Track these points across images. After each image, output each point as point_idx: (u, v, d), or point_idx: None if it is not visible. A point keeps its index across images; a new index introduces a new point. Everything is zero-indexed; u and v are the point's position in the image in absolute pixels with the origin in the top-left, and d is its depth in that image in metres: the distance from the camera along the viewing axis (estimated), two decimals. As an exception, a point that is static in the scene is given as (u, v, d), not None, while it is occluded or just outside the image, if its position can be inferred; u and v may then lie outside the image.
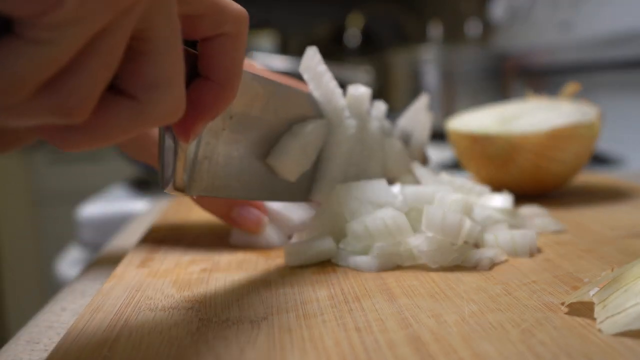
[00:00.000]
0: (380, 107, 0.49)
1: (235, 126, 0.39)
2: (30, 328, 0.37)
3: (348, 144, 0.45)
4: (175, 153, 0.34)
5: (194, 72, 0.32)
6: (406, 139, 0.53)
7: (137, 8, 0.24)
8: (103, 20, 0.23)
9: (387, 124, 0.50)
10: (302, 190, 0.45)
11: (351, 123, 0.45)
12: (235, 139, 0.39)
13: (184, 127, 0.31)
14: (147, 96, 0.26)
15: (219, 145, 0.38)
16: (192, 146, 0.36)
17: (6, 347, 0.34)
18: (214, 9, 0.30)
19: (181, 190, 0.36)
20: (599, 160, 0.92)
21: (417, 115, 0.53)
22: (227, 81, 0.31)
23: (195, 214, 0.58)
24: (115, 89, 0.26)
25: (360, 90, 0.46)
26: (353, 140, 0.45)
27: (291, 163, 0.42)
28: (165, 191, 0.35)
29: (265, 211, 0.46)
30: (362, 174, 0.46)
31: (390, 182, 0.48)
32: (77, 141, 0.26)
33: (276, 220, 0.46)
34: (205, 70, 0.31)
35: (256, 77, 0.39)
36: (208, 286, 0.37)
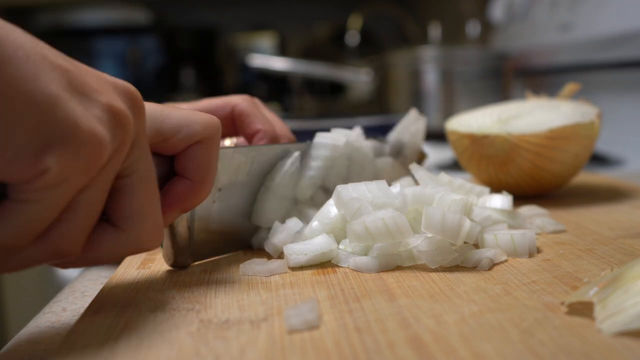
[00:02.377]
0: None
1: (225, 196, 0.43)
2: (31, 328, 0.37)
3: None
4: (170, 235, 0.39)
5: (172, 171, 0.36)
6: (399, 150, 0.55)
7: (113, 165, 0.29)
8: (84, 180, 0.27)
9: (376, 145, 0.52)
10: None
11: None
12: (226, 205, 0.43)
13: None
14: (128, 225, 0.31)
15: (211, 215, 0.42)
16: (185, 227, 0.40)
17: (7, 347, 0.34)
18: (182, 127, 0.34)
19: (180, 265, 0.40)
20: (599, 160, 0.92)
21: (409, 128, 0.55)
22: (201, 179, 0.36)
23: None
24: (102, 219, 0.31)
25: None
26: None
27: (272, 215, 0.45)
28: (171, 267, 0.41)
29: None
30: None
31: None
32: (70, 266, 0.31)
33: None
34: (181, 171, 0.36)
35: (237, 150, 0.43)
36: (208, 287, 0.37)
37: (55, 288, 1.00)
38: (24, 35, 0.26)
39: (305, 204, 0.47)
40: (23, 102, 0.25)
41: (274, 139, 0.49)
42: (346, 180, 0.49)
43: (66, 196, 0.27)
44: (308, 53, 2.07)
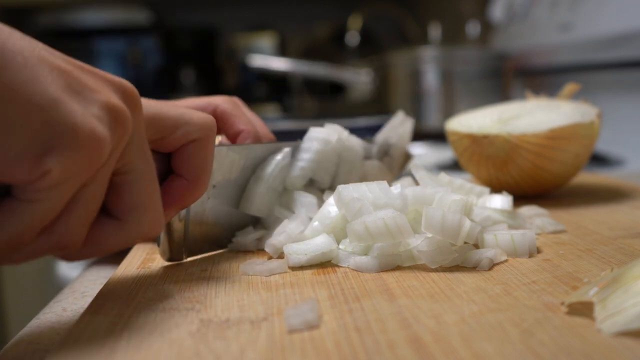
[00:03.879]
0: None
1: (218, 192, 0.44)
2: (31, 328, 0.37)
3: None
4: (166, 232, 0.40)
5: (169, 169, 0.36)
6: (386, 150, 0.55)
7: (111, 160, 0.29)
8: (84, 178, 0.28)
9: (365, 145, 0.53)
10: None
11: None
12: (220, 201, 0.44)
13: None
14: (129, 217, 0.31)
15: (205, 211, 0.43)
16: (180, 223, 0.41)
17: (7, 347, 0.34)
18: (179, 125, 0.35)
19: (176, 260, 0.41)
20: (599, 160, 0.92)
21: (396, 129, 0.56)
22: (196, 179, 0.36)
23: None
24: (103, 210, 0.31)
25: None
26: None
27: (261, 204, 0.46)
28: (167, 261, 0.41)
29: None
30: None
31: None
32: (73, 258, 0.31)
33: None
34: (177, 169, 0.36)
35: (231, 148, 0.44)
36: (208, 287, 0.37)
37: (55, 288, 1.00)
38: (21, 39, 0.26)
39: (291, 194, 0.47)
40: (23, 105, 0.25)
41: (256, 139, 0.50)
42: (334, 177, 0.50)
43: (68, 194, 0.28)
44: (308, 53, 2.07)
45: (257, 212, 0.46)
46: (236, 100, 0.52)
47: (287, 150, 0.47)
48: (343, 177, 0.50)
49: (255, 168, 0.46)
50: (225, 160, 0.43)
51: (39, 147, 0.26)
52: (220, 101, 0.50)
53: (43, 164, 0.26)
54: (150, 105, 0.34)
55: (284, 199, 0.47)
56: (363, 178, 0.52)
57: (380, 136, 0.56)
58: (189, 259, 0.43)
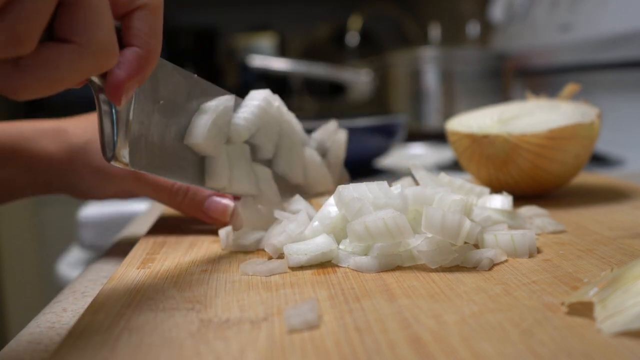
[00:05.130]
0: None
1: (164, 111, 0.43)
2: (32, 329, 0.37)
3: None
4: (112, 120, 0.38)
5: (120, 44, 0.35)
6: (323, 152, 0.56)
7: None
8: None
9: (304, 135, 0.54)
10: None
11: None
12: (166, 123, 0.43)
13: (114, 87, 0.34)
14: (82, 38, 0.31)
15: (151, 126, 0.42)
16: (126, 116, 0.39)
17: (7, 347, 0.34)
18: None
19: (123, 161, 0.39)
20: (599, 160, 0.92)
21: (333, 134, 0.57)
22: (148, 44, 0.36)
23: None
24: (56, 39, 0.30)
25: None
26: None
27: (205, 138, 0.44)
28: (109, 162, 0.39)
29: (231, 198, 0.50)
30: (286, 175, 0.52)
31: (309, 192, 0.54)
32: (25, 82, 0.30)
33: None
34: (128, 39, 0.35)
35: (176, 68, 0.43)
36: (208, 287, 0.37)
37: (55, 288, 1.00)
38: None
39: (236, 152, 0.48)
40: None
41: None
42: (276, 148, 0.51)
43: None
44: (308, 53, 2.07)
45: (201, 145, 0.44)
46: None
47: (232, 95, 0.47)
48: (285, 154, 0.51)
49: (200, 103, 0.46)
50: (170, 79, 0.43)
51: None
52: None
53: None
54: None
55: (241, 164, 0.47)
56: (305, 166, 0.53)
57: (317, 134, 0.56)
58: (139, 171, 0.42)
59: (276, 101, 0.50)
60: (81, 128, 0.55)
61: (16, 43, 0.28)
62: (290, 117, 0.52)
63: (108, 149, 0.39)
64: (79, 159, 0.53)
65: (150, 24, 0.36)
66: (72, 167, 0.54)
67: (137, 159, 0.41)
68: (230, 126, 0.47)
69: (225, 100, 0.46)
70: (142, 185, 0.52)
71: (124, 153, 0.39)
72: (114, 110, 0.38)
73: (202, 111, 0.45)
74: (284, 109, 0.51)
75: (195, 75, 0.46)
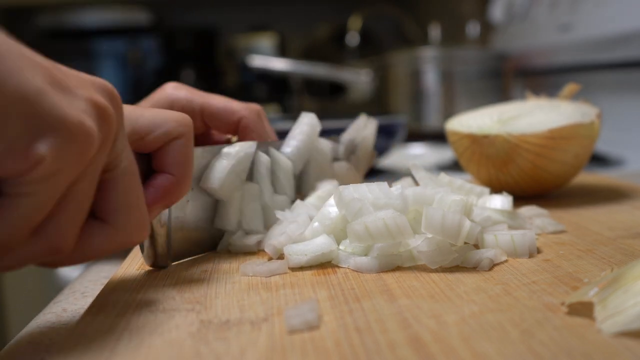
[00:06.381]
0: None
1: (196, 195, 0.44)
2: (31, 329, 0.37)
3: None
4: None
5: (150, 169, 0.37)
6: (352, 150, 0.56)
7: (99, 158, 0.29)
8: (76, 171, 0.28)
9: (333, 145, 0.54)
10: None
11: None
12: (199, 204, 0.44)
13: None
14: (115, 219, 0.31)
15: (186, 215, 0.43)
16: (163, 226, 0.40)
17: (7, 347, 0.34)
18: (157, 125, 0.35)
19: (160, 265, 0.41)
20: (599, 160, 0.92)
21: (360, 131, 0.57)
22: (181, 174, 0.37)
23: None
24: (89, 214, 0.31)
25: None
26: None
27: (222, 184, 0.44)
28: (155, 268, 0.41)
29: None
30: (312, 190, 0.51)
31: None
32: (60, 264, 0.31)
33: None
34: (160, 167, 0.37)
35: (205, 149, 0.44)
36: (208, 287, 0.37)
37: (55, 288, 1.00)
38: (1, 34, 0.26)
39: (250, 191, 0.47)
40: (10, 95, 0.25)
41: None
42: (299, 178, 0.51)
43: (60, 187, 0.27)
44: (308, 53, 2.07)
45: (217, 191, 0.44)
46: (260, 112, 0.51)
47: (254, 142, 0.47)
48: (312, 178, 0.51)
49: None
50: (201, 162, 0.43)
51: (29, 136, 0.25)
52: (245, 113, 0.50)
53: (35, 152, 0.25)
54: (125, 108, 0.34)
55: (266, 214, 0.47)
56: (333, 177, 0.53)
57: (346, 136, 0.56)
58: (173, 263, 0.42)
59: (318, 125, 0.51)
60: None
61: (55, 254, 0.29)
62: (321, 143, 0.52)
63: (148, 259, 0.40)
64: None
65: (184, 153, 0.37)
66: None
67: (177, 256, 0.43)
68: (274, 160, 0.48)
69: (247, 146, 0.46)
70: None
71: (165, 258, 0.41)
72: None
73: (223, 156, 0.45)
74: (315, 134, 0.51)
75: (222, 146, 0.46)
